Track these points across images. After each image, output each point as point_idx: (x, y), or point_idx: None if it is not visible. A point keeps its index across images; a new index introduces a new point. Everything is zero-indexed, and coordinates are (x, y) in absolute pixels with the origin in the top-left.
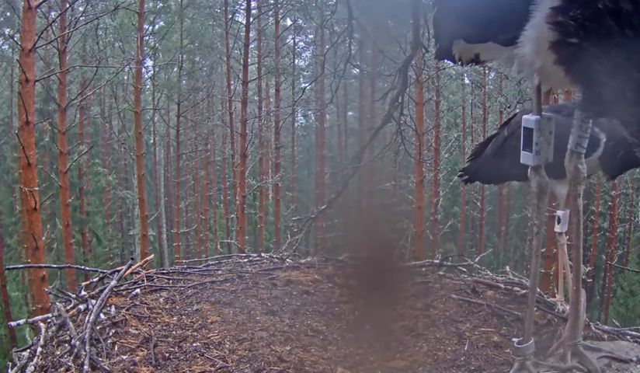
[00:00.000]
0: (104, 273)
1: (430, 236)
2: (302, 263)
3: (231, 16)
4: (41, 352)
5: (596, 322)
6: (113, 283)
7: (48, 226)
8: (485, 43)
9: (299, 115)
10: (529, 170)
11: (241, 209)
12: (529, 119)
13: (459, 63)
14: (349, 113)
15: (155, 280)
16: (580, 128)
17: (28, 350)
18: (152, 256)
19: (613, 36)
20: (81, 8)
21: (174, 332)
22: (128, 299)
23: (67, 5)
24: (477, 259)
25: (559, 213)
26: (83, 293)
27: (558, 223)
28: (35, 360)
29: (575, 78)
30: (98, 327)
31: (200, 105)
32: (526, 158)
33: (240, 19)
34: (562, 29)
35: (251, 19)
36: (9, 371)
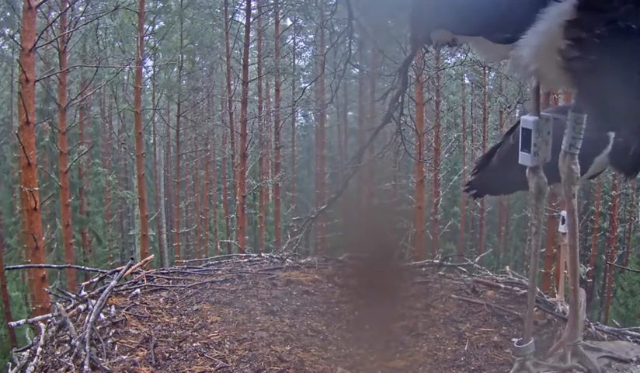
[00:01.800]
0: (104, 273)
1: (430, 236)
2: (302, 263)
3: (231, 16)
4: (41, 352)
5: (596, 322)
6: (113, 283)
7: (48, 226)
8: (473, 36)
9: (299, 115)
10: (527, 171)
11: (241, 209)
12: (527, 120)
13: (433, 46)
14: (349, 113)
15: (155, 280)
16: (574, 129)
17: (28, 350)
18: (152, 256)
19: (635, 54)
20: (81, 8)
21: (174, 332)
22: (128, 299)
23: (67, 5)
24: (477, 259)
25: (564, 213)
26: (83, 293)
27: (563, 223)
28: (35, 360)
29: (583, 90)
30: (98, 327)
31: (200, 105)
32: (524, 158)
33: (240, 19)
34: (582, 46)
35: (251, 19)
36: (9, 371)
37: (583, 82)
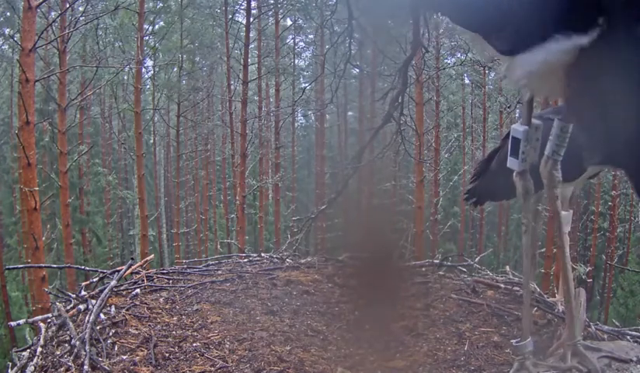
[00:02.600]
0: (104, 273)
1: (430, 236)
2: (302, 263)
3: (231, 16)
4: (41, 352)
5: (596, 322)
6: (113, 283)
7: (48, 226)
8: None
9: (299, 115)
10: (514, 174)
11: (241, 209)
12: (517, 129)
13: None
14: (349, 113)
15: (155, 280)
16: (558, 137)
17: (28, 350)
18: (152, 256)
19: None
20: (81, 8)
21: (174, 332)
22: (128, 299)
23: (67, 5)
24: (477, 259)
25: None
26: (83, 293)
27: None
28: (35, 360)
29: (579, 114)
30: (98, 327)
31: (200, 105)
32: (512, 163)
33: (240, 19)
34: (583, 90)
35: (251, 19)
36: (9, 371)
37: (581, 115)
